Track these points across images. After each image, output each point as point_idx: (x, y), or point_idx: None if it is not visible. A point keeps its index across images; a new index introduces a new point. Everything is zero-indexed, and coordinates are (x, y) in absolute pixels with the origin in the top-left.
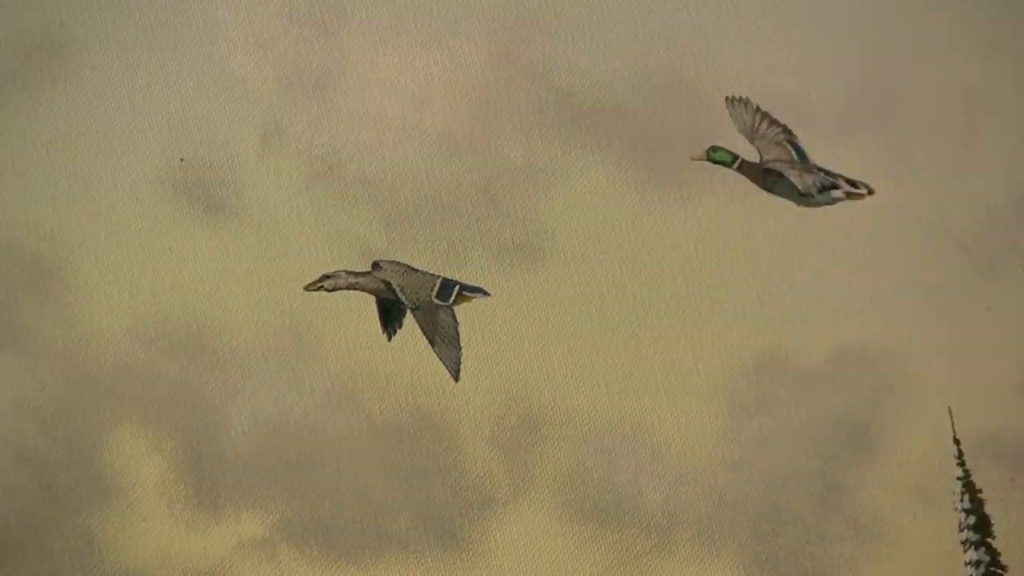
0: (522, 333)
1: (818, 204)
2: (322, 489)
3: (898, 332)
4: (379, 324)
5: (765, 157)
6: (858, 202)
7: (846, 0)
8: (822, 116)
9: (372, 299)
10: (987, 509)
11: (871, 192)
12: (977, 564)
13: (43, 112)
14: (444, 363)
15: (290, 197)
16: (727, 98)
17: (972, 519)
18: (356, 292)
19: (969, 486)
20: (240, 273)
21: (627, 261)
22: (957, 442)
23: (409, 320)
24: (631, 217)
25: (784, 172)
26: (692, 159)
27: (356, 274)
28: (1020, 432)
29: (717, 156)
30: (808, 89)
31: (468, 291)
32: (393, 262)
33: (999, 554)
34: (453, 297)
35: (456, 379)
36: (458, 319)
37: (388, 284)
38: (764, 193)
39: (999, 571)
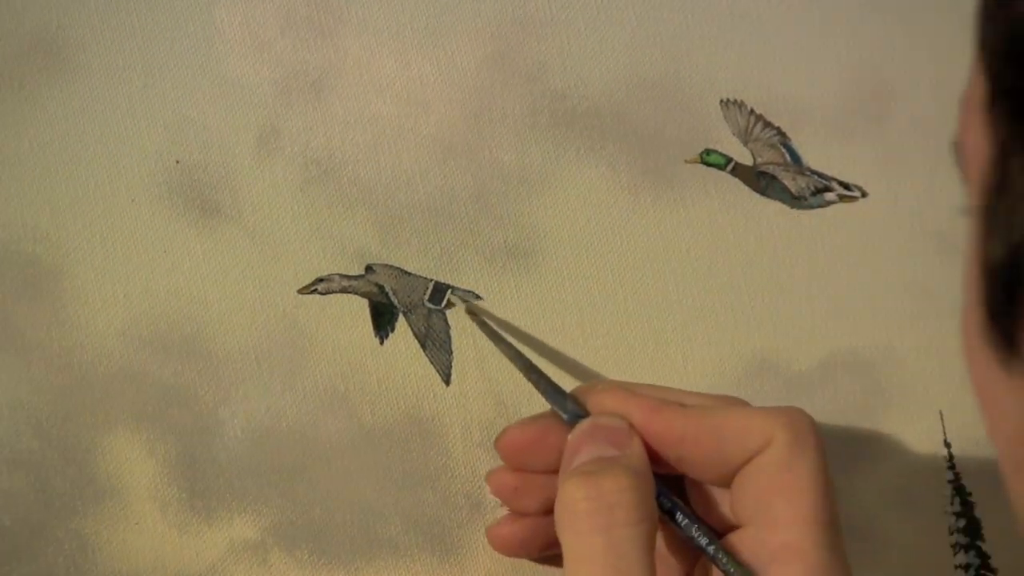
0: (513, 337)
1: (811, 207)
2: (313, 493)
3: (890, 335)
4: (371, 328)
5: (759, 160)
6: (852, 205)
7: (841, 2)
8: (816, 119)
9: (365, 303)
10: (977, 512)
11: (865, 195)
12: (967, 567)
13: (38, 114)
14: (435, 367)
15: (285, 200)
16: (721, 101)
17: (962, 522)
18: (349, 296)
19: (959, 489)
20: (234, 276)
21: (619, 264)
22: (948, 445)
23: (401, 324)
24: (624, 220)
25: (777, 175)
26: (686, 162)
27: (349, 277)
28: None
29: (711, 159)
30: (802, 92)
31: (460, 295)
32: (386, 265)
33: (989, 557)
34: (445, 301)
35: (447, 383)
36: (450, 323)
37: (381, 288)
38: (757, 196)
39: (989, 574)
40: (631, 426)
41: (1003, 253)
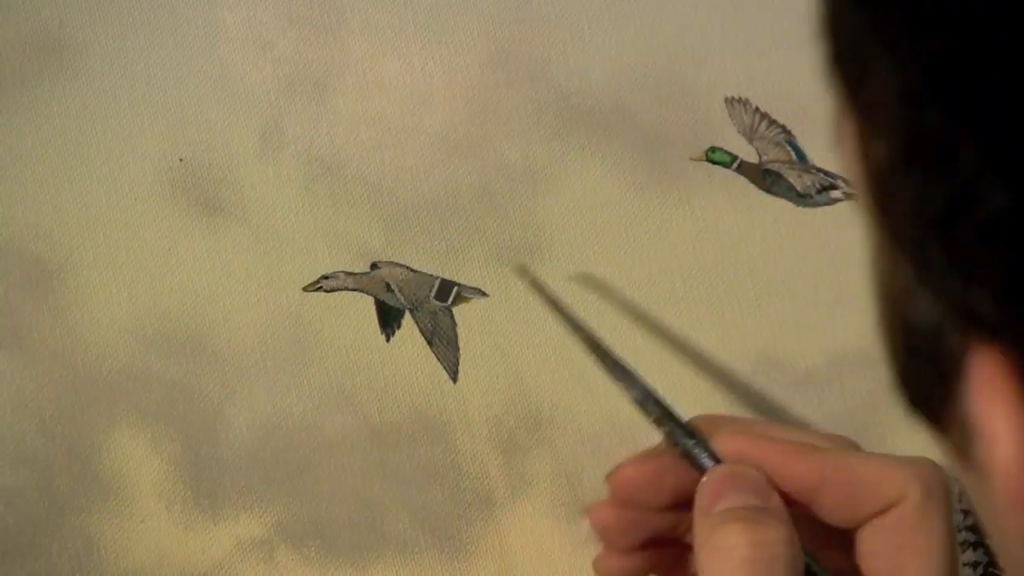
0: (520, 334)
1: (817, 204)
2: (320, 490)
3: None
4: (377, 325)
5: (764, 158)
6: (857, 203)
7: None
8: (821, 117)
9: (371, 300)
10: None
11: None
12: (975, 565)
13: (42, 113)
14: (442, 364)
15: (289, 198)
16: (726, 99)
17: (970, 520)
18: (355, 293)
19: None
20: (239, 274)
21: (625, 261)
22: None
23: (408, 321)
24: (629, 217)
25: (783, 173)
26: (691, 160)
27: (355, 275)
28: None
29: (716, 157)
30: (808, 89)
31: (467, 292)
32: (392, 263)
33: (996, 555)
34: (452, 298)
35: (454, 380)
36: (457, 320)
37: (387, 285)
38: (763, 194)
39: (996, 571)
40: (769, 479)
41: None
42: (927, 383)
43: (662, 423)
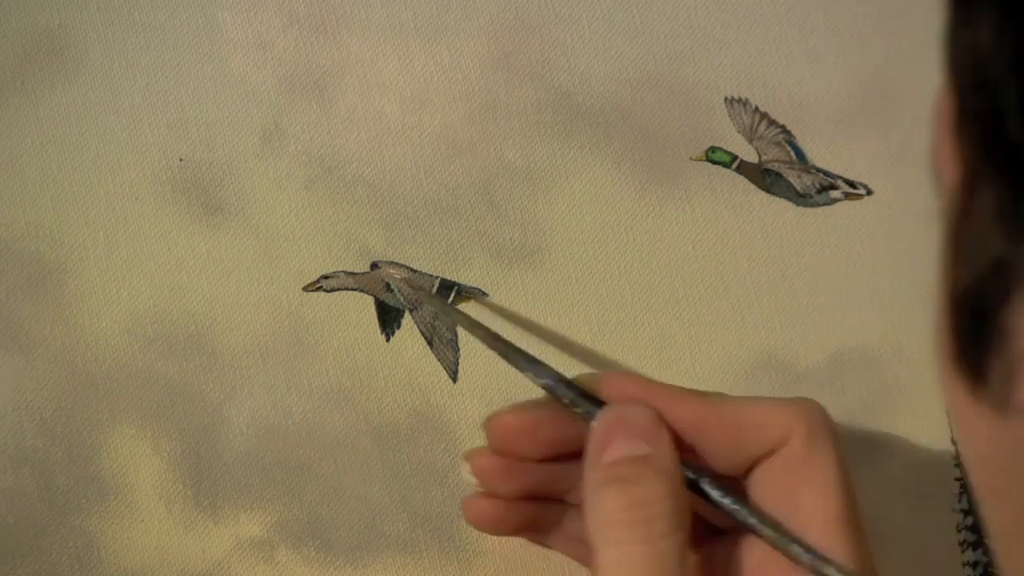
0: (520, 334)
1: (817, 205)
2: (320, 490)
3: (897, 333)
4: (377, 325)
5: (764, 157)
6: (857, 203)
7: (846, 1)
8: (821, 116)
9: (371, 300)
10: None
11: (870, 192)
12: (975, 564)
13: (42, 113)
14: (442, 364)
15: (289, 197)
16: (726, 99)
17: (970, 519)
18: (355, 293)
19: (967, 487)
20: (239, 273)
21: (625, 261)
22: (955, 443)
23: (407, 321)
24: (629, 217)
25: (783, 172)
26: (691, 159)
27: (355, 275)
28: None
29: (716, 156)
30: (807, 89)
31: (467, 292)
32: (392, 263)
33: (996, 554)
34: (451, 298)
35: (454, 380)
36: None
37: (387, 285)
38: (763, 193)
39: (996, 571)
40: (659, 416)
41: (969, 283)
42: (976, 325)
43: (576, 404)
